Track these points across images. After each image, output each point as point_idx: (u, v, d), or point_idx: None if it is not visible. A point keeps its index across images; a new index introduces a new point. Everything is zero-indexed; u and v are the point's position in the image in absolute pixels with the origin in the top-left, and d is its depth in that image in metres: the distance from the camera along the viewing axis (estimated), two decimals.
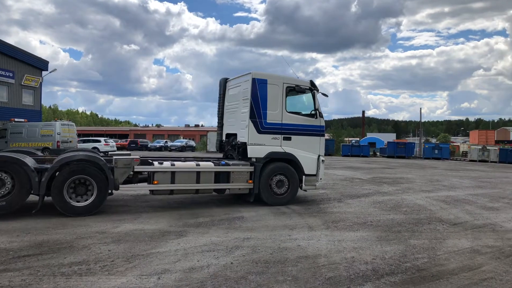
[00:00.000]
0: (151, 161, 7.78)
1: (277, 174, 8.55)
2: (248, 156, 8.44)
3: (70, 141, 23.29)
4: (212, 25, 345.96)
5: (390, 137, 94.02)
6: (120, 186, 7.34)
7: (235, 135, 9.15)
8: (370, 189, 11.78)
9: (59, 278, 3.93)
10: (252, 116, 8.40)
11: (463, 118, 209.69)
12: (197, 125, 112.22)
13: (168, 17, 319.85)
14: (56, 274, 4.04)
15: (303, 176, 8.77)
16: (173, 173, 7.65)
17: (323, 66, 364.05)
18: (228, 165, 8.22)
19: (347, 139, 66.45)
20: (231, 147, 9.23)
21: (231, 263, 4.58)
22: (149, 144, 47.99)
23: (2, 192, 6.44)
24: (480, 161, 33.91)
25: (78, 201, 6.86)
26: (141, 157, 7.91)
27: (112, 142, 35.42)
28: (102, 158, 7.22)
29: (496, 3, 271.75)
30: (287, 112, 8.76)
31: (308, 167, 8.86)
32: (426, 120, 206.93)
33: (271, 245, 5.38)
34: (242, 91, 8.80)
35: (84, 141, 32.01)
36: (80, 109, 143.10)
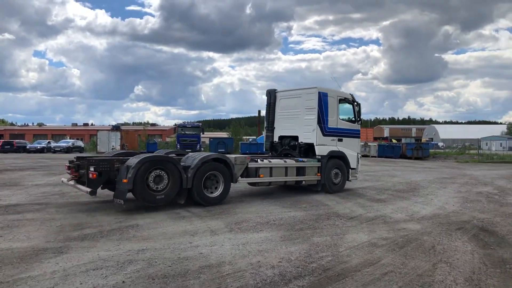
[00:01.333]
0: (256, 160, 9.46)
1: (334, 168, 10.57)
2: (317, 154, 10.33)
3: None
4: (102, 17, 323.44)
5: None
6: (239, 179, 8.87)
7: (292, 137, 10.96)
8: (270, 186, 11.85)
9: None
10: (319, 122, 10.27)
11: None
12: (86, 124, 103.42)
13: (49, 5, 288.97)
14: None
15: (350, 169, 11.02)
16: (271, 168, 9.42)
17: (220, 65, 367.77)
18: (304, 161, 10.06)
19: (245, 137, 67.62)
20: (289, 147, 11.00)
21: (123, 282, 3.93)
22: (28, 145, 42.30)
23: (161, 187, 7.54)
24: (362, 156, 37.51)
25: (211, 193, 8.35)
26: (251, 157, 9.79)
27: None
28: (228, 157, 8.66)
29: (371, 14, 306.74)
30: (339, 119, 10.93)
31: (353, 162, 11.14)
32: None
33: (170, 255, 4.82)
34: (305, 101, 10.57)
35: None
36: None
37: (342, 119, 11.06)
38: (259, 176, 9.18)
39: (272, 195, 10.02)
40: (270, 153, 11.52)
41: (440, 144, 68.56)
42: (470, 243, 5.49)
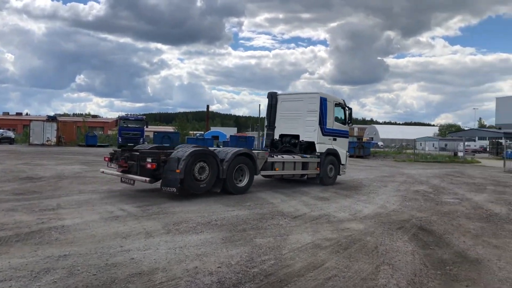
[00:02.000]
0: (272, 155, 10.55)
1: (330, 164, 12.04)
2: (317, 151, 11.72)
3: None
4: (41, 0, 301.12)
5: (232, 131, 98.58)
6: (261, 172, 10.02)
7: (292, 136, 12.30)
8: None
9: None
10: (319, 123, 11.73)
11: None
12: (19, 113, 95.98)
13: None
14: None
15: (340, 165, 12.55)
16: (283, 163, 10.69)
17: (169, 57, 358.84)
18: (307, 157, 11.42)
19: (192, 132, 66.54)
20: (290, 145, 12.32)
21: None
22: None
23: (204, 177, 8.48)
24: None
25: (240, 181, 9.45)
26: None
27: None
28: (253, 152, 9.79)
29: (320, 15, 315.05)
30: (334, 121, 12.43)
31: (343, 159, 12.67)
32: (263, 116, 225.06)
33: (96, 262, 4.29)
34: (307, 104, 11.97)
35: None
36: None
37: (336, 122, 12.63)
38: (274, 169, 10.52)
39: (218, 193, 9.64)
40: (269, 150, 12.09)
41: (380, 143, 72.03)
42: (411, 243, 5.51)
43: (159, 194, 8.97)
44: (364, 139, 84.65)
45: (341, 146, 12.71)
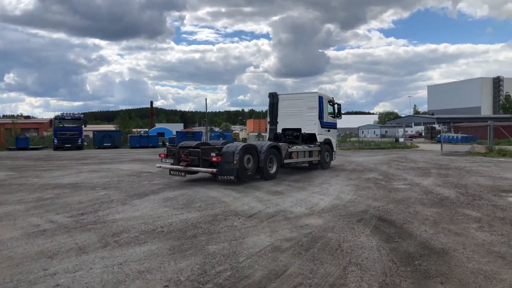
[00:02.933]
0: (290, 146, 12.29)
1: (326, 151, 14.25)
2: (318, 141, 13.79)
3: None
4: None
5: (178, 127, 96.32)
6: (284, 161, 11.85)
7: (295, 129, 14.17)
8: (160, 183, 10.63)
9: None
10: (319, 118, 13.89)
11: (239, 109, 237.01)
12: None
13: None
14: None
15: (333, 152, 15.05)
16: (298, 152, 12.55)
17: (108, 53, 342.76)
18: (312, 147, 13.39)
19: (135, 130, 64.04)
20: (293, 137, 14.11)
21: None
22: None
23: (250, 166, 10.41)
24: None
25: (270, 170, 11.18)
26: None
27: None
28: (280, 144, 11.79)
29: (262, 9, 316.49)
30: (328, 115, 14.70)
31: (335, 147, 15.28)
32: (210, 111, 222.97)
33: None
34: (307, 102, 14.05)
35: None
36: None
37: (329, 116, 14.96)
38: (292, 158, 12.35)
39: (160, 194, 8.85)
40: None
41: None
42: (374, 236, 5.20)
43: (99, 198, 8.03)
44: None
45: (332, 136, 15.17)
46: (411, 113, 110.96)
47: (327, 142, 14.46)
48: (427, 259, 4.31)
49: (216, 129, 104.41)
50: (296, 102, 14.38)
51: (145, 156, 23.69)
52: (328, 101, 14.82)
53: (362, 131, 63.52)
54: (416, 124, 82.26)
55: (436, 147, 33.87)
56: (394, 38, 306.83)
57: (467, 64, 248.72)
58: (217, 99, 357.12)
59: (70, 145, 31.63)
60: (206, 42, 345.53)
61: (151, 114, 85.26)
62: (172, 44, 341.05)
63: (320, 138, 13.99)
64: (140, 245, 4.94)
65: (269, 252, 4.59)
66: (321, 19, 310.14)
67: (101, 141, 34.79)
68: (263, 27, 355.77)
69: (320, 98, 14.11)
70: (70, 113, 34.90)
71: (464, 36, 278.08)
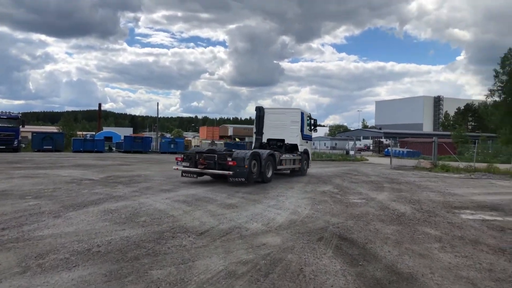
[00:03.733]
0: (281, 154, 14.24)
1: (305, 160, 16.28)
2: (299, 151, 15.70)
3: None
4: None
5: (128, 131, 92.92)
6: (277, 167, 13.78)
7: (279, 140, 15.75)
8: (101, 193, 9.66)
9: None
10: (301, 131, 15.71)
11: (193, 115, 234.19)
12: None
13: None
14: None
15: (309, 160, 17.18)
16: (286, 160, 14.62)
17: (55, 51, 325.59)
18: (295, 156, 15.37)
19: (81, 133, 60.74)
20: (277, 147, 15.63)
21: None
22: None
23: (255, 170, 11.99)
24: None
25: (267, 174, 12.87)
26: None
27: None
28: (275, 152, 13.71)
29: (219, 16, 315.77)
30: (307, 129, 16.65)
31: (310, 156, 17.37)
32: (162, 116, 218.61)
33: None
34: (290, 117, 15.80)
35: None
36: None
37: (307, 129, 16.90)
38: (282, 165, 14.18)
39: (100, 205, 7.95)
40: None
41: None
42: (337, 259, 4.79)
43: (28, 210, 6.98)
44: None
45: (309, 147, 17.44)
46: (360, 127, 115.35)
47: (306, 152, 16.60)
48: (396, 286, 3.95)
49: (168, 135, 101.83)
50: (280, 116, 16.07)
51: (89, 161, 22.13)
52: (308, 116, 16.96)
53: (314, 143, 64.74)
54: (364, 138, 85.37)
55: (384, 160, 35.03)
56: (346, 54, 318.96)
57: (411, 83, 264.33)
58: (169, 104, 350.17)
59: (4, 147, 28.93)
60: (161, 46, 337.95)
61: (99, 117, 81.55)
62: (125, 45, 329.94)
63: (301, 149, 15.92)
64: (70, 269, 4.15)
65: (223, 279, 4.00)
66: (277, 31, 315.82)
67: (41, 143, 32.26)
68: (219, 34, 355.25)
69: (302, 114, 16.05)
70: (6, 112, 32.02)
71: (409, 56, 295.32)
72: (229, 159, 11.59)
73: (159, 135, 47.62)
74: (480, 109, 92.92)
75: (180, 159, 12.72)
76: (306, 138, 16.71)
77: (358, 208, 8.68)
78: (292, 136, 15.74)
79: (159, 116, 47.18)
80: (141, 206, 7.93)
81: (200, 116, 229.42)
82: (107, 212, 7.27)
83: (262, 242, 5.43)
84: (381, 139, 67.15)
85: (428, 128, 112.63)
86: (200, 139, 58.57)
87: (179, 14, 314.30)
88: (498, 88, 53.87)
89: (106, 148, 37.47)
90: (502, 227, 6.98)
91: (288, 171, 15.95)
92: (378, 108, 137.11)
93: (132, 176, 14.20)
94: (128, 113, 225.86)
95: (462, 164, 23.11)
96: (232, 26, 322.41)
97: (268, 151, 13.11)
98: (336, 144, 75.55)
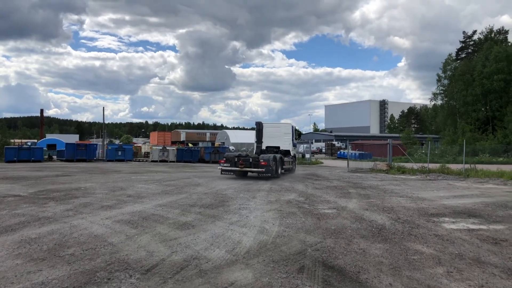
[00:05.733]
0: (283, 158, 18.87)
1: (294, 162, 21.66)
2: (291, 155, 20.62)
3: None
4: None
5: (73, 138, 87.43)
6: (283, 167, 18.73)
7: (275, 147, 19.91)
8: (24, 214, 7.88)
9: None
10: (292, 140, 20.61)
11: (143, 121, 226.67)
12: None
13: None
14: None
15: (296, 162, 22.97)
16: (286, 161, 19.24)
17: None
18: (289, 158, 20.11)
19: (20, 141, 55.94)
20: (274, 152, 18.97)
21: None
22: None
23: (275, 168, 16.93)
24: (161, 161, 35.08)
25: (279, 171, 17.77)
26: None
27: None
28: (279, 155, 18.12)
29: (169, 21, 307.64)
30: (295, 138, 21.45)
31: (296, 159, 23.24)
32: (110, 122, 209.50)
33: None
34: (283, 130, 20.59)
35: None
36: None
37: (295, 138, 21.51)
38: (284, 165, 18.72)
39: (18, 232, 6.26)
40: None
41: (231, 147, 72.93)
42: None
43: None
44: (217, 144, 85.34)
45: (296, 152, 23.52)
46: (311, 130, 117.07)
47: (294, 156, 22.08)
48: None
49: (116, 141, 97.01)
50: (276, 129, 20.47)
51: (22, 172, 19.57)
52: (295, 129, 21.74)
53: None
54: (317, 141, 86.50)
55: (339, 163, 35.01)
56: (295, 60, 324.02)
57: (357, 88, 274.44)
58: (118, 109, 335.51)
59: None
60: (108, 50, 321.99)
61: (41, 124, 76.01)
62: (69, 49, 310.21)
63: (292, 153, 20.79)
64: None
65: None
66: (228, 36, 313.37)
67: None
68: (169, 38, 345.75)
69: (292, 127, 20.91)
70: None
71: (355, 62, 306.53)
72: (261, 160, 16.48)
73: (107, 142, 44.58)
74: (422, 112, 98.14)
75: (223, 161, 17.39)
76: (294, 145, 21.70)
77: (332, 220, 7.67)
78: (285, 144, 20.17)
79: (107, 122, 44.28)
80: (73, 231, 6.34)
81: (151, 122, 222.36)
82: (24, 242, 5.64)
83: (229, 281, 4.15)
84: (333, 142, 68.13)
85: (375, 130, 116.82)
86: (150, 145, 55.79)
87: (127, 17, 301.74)
88: (441, 91, 56.80)
89: (45, 157, 34.19)
90: (494, 239, 6.25)
91: (283, 170, 19.35)
92: (328, 112, 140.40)
93: (69, 189, 12.30)
94: (74, 119, 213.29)
95: (416, 165, 23.23)
96: (182, 31, 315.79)
97: (280, 155, 18.15)
98: (245, 149, 75.57)
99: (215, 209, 8.77)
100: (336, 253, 5.29)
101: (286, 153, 19.95)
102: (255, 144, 19.63)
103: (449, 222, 7.65)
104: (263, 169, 16.23)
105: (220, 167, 17.29)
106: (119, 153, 35.39)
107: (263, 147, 19.45)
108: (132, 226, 6.81)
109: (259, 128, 19.49)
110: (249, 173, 17.74)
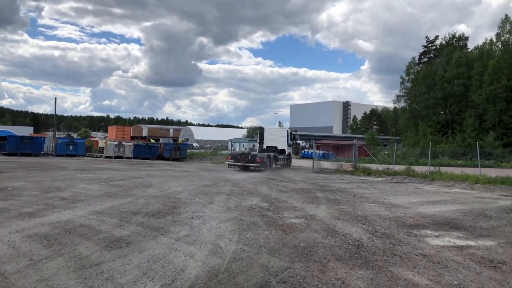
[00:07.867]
0: (277, 156, 23.75)
1: (289, 159, 25.95)
2: (286, 153, 25.20)
3: None
4: None
5: (27, 130, 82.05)
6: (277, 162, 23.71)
7: (273, 147, 24.52)
8: None
9: None
10: (287, 141, 25.36)
11: (104, 114, 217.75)
12: None
13: None
14: None
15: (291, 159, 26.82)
16: (280, 158, 24.16)
17: None
18: (285, 156, 24.95)
19: None
20: (272, 151, 23.79)
21: None
22: None
23: (269, 164, 22.35)
24: (116, 157, 32.77)
25: (273, 166, 22.85)
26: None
27: None
28: (275, 153, 23.60)
29: (133, 13, 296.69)
30: (289, 140, 25.94)
31: (291, 155, 26.90)
32: (70, 115, 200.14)
33: None
34: (280, 133, 26.01)
35: None
36: None
37: (290, 140, 25.90)
38: (279, 161, 23.70)
39: None
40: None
41: (195, 144, 71.04)
42: None
43: None
44: (180, 140, 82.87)
45: (291, 150, 26.60)
46: None
47: (289, 154, 25.93)
48: None
49: (75, 135, 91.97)
50: (274, 132, 25.89)
51: None
52: (289, 132, 26.13)
53: (233, 144, 62.91)
54: None
55: (304, 162, 34.22)
56: (262, 59, 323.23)
57: (322, 89, 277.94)
58: (79, 102, 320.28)
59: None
60: (69, 40, 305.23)
61: None
62: (26, 36, 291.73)
63: (287, 152, 25.23)
64: None
65: None
66: (194, 32, 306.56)
67: None
68: (134, 31, 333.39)
69: (288, 131, 25.92)
70: None
71: (320, 64, 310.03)
72: (257, 158, 21.11)
73: (64, 135, 41.40)
74: (384, 114, 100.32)
75: (229, 158, 22.58)
76: (289, 145, 25.98)
77: (300, 234, 6.47)
78: (282, 145, 25.00)
79: (66, 115, 41.14)
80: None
81: (112, 116, 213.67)
82: None
83: None
84: (298, 141, 67.75)
85: (337, 131, 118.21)
86: (106, 140, 52.76)
87: (89, 7, 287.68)
88: (404, 94, 57.77)
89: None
90: (491, 261, 5.27)
91: (279, 165, 24.00)
92: (293, 111, 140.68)
93: None
94: (30, 111, 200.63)
95: (381, 167, 22.74)
96: (147, 24, 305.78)
97: (274, 154, 23.09)
98: (254, 145, 74.63)
99: (162, 219, 7.33)
100: (309, 286, 4.06)
101: (282, 151, 24.94)
102: (258, 144, 25.56)
103: (432, 237, 6.67)
104: (259, 165, 20.83)
105: (227, 162, 22.41)
106: (70, 147, 32.70)
107: (264, 147, 24.60)
108: (46, 244, 5.26)
109: (261, 132, 25.40)
110: (251, 167, 21.34)
